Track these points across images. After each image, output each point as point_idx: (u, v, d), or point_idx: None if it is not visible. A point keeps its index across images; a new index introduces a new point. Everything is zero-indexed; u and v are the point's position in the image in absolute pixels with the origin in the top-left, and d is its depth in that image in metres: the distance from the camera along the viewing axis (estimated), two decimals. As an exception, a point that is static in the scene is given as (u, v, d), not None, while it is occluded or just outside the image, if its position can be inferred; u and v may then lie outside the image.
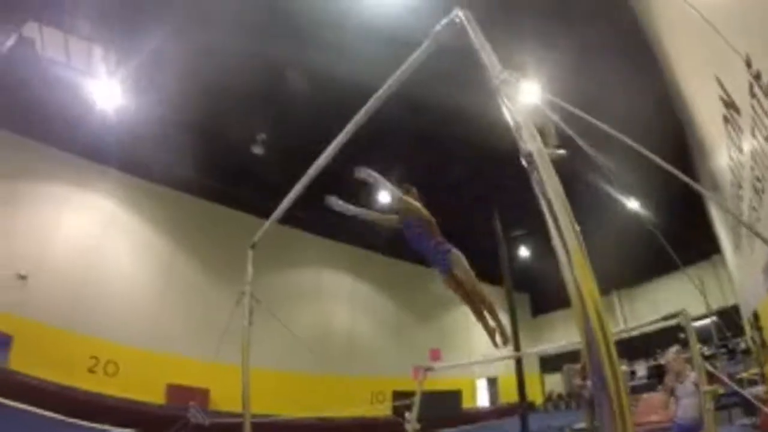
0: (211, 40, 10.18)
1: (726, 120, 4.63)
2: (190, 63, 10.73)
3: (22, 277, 11.74)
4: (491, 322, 4.16)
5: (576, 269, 1.64)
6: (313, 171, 4.08)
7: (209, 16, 9.70)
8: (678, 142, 9.37)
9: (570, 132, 2.09)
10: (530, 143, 1.79)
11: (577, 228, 1.72)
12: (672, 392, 5.72)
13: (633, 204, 11.54)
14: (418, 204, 4.09)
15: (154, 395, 12.66)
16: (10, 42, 8.55)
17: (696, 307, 12.31)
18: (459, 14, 2.57)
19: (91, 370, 12.18)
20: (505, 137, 1.97)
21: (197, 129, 12.59)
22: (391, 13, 9.45)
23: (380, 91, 3.13)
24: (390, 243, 17.89)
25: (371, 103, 3.20)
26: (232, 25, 9.85)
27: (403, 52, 2.97)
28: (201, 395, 12.74)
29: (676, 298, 13.10)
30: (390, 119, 9.18)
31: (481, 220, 16.42)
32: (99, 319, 12.54)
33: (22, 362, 10.82)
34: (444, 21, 2.68)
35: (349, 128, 3.44)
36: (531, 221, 14.92)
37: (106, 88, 11.34)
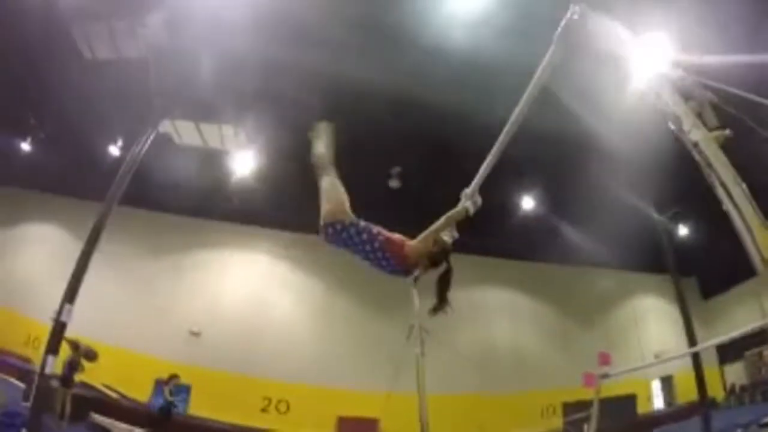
0: (330, 87, 10.81)
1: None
2: (314, 114, 11.49)
3: (195, 334, 13.62)
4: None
5: (759, 240, 1.53)
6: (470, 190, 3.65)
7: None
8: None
9: (733, 110, 1.90)
10: (693, 133, 1.70)
11: (754, 202, 1.61)
12: None
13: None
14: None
15: (325, 429, 13.45)
16: (150, 140, 9.88)
17: None
18: (575, 9, 2.34)
19: (264, 410, 13.34)
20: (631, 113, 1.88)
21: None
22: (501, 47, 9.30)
23: (512, 118, 2.93)
24: (541, 249, 17.36)
25: (509, 127, 3.01)
26: (359, 64, 10.36)
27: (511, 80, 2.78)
28: (372, 425, 13.21)
29: None
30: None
31: (631, 206, 15.11)
32: (268, 363, 13.81)
33: (200, 407, 12.46)
34: (563, 21, 2.39)
35: (495, 152, 3.26)
36: (686, 196, 13.32)
37: (241, 160, 12.62)
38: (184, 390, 12.81)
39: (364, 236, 3.26)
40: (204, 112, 10.65)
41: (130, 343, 12.30)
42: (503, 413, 15.01)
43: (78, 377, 9.47)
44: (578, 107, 9.54)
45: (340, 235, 3.34)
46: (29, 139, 13.02)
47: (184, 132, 10.97)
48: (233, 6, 8.83)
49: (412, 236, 3.23)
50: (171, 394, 10.50)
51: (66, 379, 8.98)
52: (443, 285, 3.28)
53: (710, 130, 1.73)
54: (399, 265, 3.21)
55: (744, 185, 1.65)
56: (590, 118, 10.22)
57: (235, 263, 15.36)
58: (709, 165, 1.65)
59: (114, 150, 12.51)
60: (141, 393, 12.30)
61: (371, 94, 10.87)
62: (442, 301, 3.31)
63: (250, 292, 15.01)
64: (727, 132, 1.69)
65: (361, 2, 9.21)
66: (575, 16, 2.34)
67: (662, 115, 1.88)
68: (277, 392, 13.66)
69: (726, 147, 1.72)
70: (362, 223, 3.33)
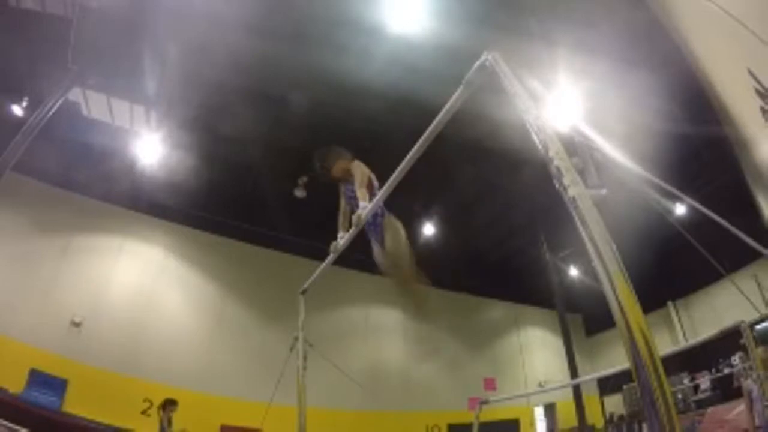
0: (246, 89, 10.61)
1: (764, 111, 4.50)
2: (226, 113, 11.21)
3: (76, 324, 12.46)
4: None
5: (621, 298, 1.67)
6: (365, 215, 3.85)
7: (240, 64, 10.14)
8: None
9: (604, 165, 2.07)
10: (572, 188, 1.80)
11: (620, 261, 1.74)
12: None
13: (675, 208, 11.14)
14: (357, 169, 3.97)
15: (208, 436, 12.84)
16: (57, 106, 9.16)
17: (760, 306, 11.85)
18: (489, 57, 2.53)
19: (144, 413, 12.51)
20: (538, 157, 2.00)
21: (239, 177, 13.05)
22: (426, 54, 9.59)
23: (417, 145, 3.11)
24: (441, 274, 17.86)
25: (413, 153, 3.17)
26: (265, 69, 10.23)
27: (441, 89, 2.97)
28: (254, 435, 12.86)
29: (736, 300, 12.49)
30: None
31: (526, 244, 16.16)
32: (152, 363, 12.97)
33: (76, 405, 11.46)
34: (475, 65, 2.62)
35: (397, 174, 3.38)
36: (576, 240, 14.50)
37: (148, 144, 12.01)
38: (59, 385, 11.72)
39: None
40: (118, 87, 10.03)
41: (2, 328, 11.06)
42: (389, 430, 15.13)
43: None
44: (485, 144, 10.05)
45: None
46: None
47: (94, 104, 10.23)
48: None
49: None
50: (170, 423, 9.56)
51: None
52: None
53: (589, 187, 1.85)
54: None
55: (613, 245, 1.77)
56: (496, 155, 10.80)
57: (127, 252, 14.09)
58: (582, 221, 1.76)
59: (17, 109, 11.33)
60: (11, 383, 11.09)
61: (284, 104, 10.96)
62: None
63: (140, 286, 13.89)
64: (604, 191, 1.82)
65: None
66: (487, 63, 2.51)
67: (548, 166, 1.99)
68: (160, 395, 12.71)
69: (601, 205, 1.84)
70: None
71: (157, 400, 12.65)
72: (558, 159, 1.94)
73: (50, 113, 9.01)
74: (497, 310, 20.74)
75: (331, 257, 4.18)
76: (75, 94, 9.89)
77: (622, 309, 1.65)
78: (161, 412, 9.53)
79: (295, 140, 11.98)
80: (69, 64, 9.14)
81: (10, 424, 9.18)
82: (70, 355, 11.92)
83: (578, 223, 1.80)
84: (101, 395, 11.87)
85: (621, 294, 1.67)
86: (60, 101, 9.19)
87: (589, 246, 1.76)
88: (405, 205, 12.60)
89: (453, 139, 9.51)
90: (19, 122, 9.60)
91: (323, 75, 10.32)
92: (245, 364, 14.23)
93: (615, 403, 20.92)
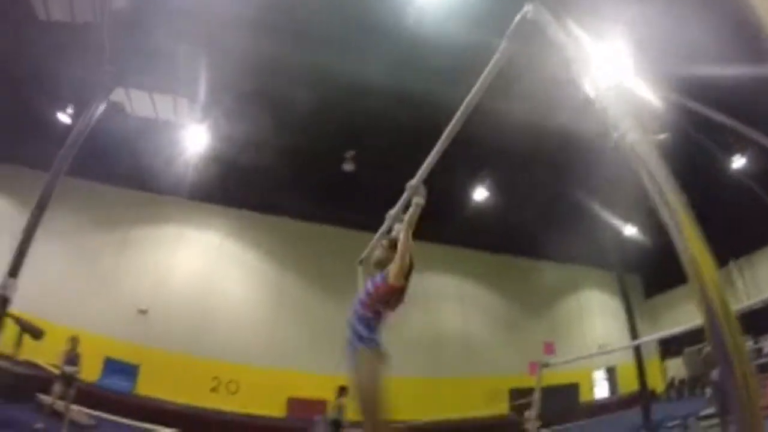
0: (288, 65, 10.67)
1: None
2: (271, 92, 11.33)
3: (143, 312, 13.36)
4: None
5: (691, 250, 1.57)
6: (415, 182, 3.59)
7: (283, 37, 10.18)
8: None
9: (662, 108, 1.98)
10: (630, 135, 1.73)
11: (689, 211, 1.64)
12: None
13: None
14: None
15: (276, 409, 13.50)
16: (101, 109, 9.50)
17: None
18: (530, 8, 2.36)
19: (213, 390, 13.19)
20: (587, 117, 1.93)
21: (286, 157, 13.22)
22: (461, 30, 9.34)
23: (461, 109, 2.96)
24: (492, 239, 17.71)
25: (458, 117, 3.04)
26: (312, 44, 10.23)
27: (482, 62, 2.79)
28: (320, 406, 13.29)
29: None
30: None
31: (582, 204, 15.57)
32: (217, 343, 13.66)
33: (148, 387, 12.29)
34: (517, 18, 2.44)
35: (442, 143, 3.28)
36: (633, 197, 13.94)
37: (195, 134, 12.28)
38: (132, 370, 12.57)
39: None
40: (159, 82, 10.30)
41: (75, 321, 11.86)
42: (450, 397, 15.33)
43: (22, 356, 9.12)
44: (534, 102, 9.74)
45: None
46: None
47: (137, 102, 10.54)
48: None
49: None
50: (341, 407, 9.77)
51: (68, 376, 8.57)
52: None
53: (649, 134, 1.78)
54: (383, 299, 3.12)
55: (678, 190, 1.68)
56: (543, 114, 10.47)
57: (185, 240, 14.95)
58: (645, 169, 1.69)
59: (64, 117, 11.88)
60: (89, 373, 11.94)
61: (327, 79, 10.85)
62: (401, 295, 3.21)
63: (200, 271, 14.69)
64: (664, 136, 1.75)
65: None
66: (528, 15, 2.36)
67: (605, 117, 1.92)
68: (227, 373, 13.52)
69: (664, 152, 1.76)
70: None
71: (225, 378, 13.36)
72: (612, 106, 1.87)
73: (95, 116, 9.38)
74: (555, 273, 20.34)
75: (384, 225, 4.16)
76: (118, 95, 10.15)
77: (693, 259, 1.56)
78: (336, 399, 9.74)
79: (339, 115, 12.04)
80: (106, 67, 9.44)
81: (88, 410, 9.95)
82: (140, 342, 12.84)
83: (640, 172, 1.72)
84: (171, 376, 12.64)
85: (691, 243, 1.58)
86: (103, 103, 9.54)
87: (653, 195, 1.67)
88: (454, 169, 12.52)
89: (502, 103, 9.31)
90: (68, 129, 10.11)
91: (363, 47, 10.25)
92: (308, 338, 14.70)
93: (676, 367, 20.39)
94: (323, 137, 12.82)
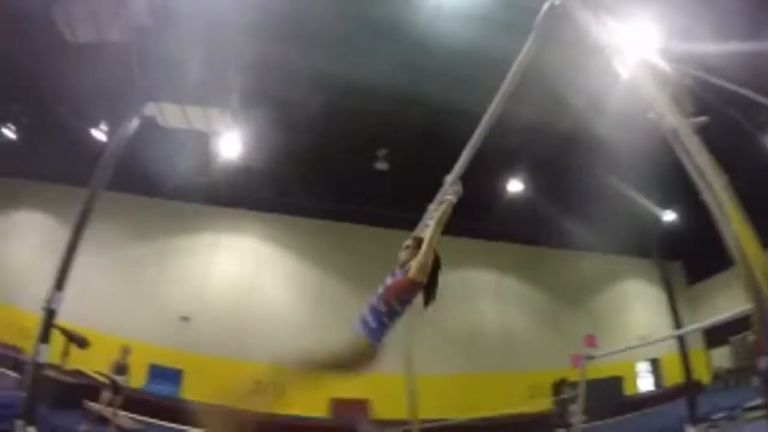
0: (316, 71, 10.82)
1: None
2: (300, 98, 11.47)
3: (185, 319, 13.85)
4: None
5: (736, 231, 1.53)
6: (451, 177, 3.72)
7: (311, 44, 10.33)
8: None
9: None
10: (669, 118, 1.71)
11: (733, 193, 1.60)
12: None
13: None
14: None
15: (319, 410, 13.61)
16: (135, 124, 9.80)
17: None
18: None
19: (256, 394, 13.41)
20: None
21: (319, 160, 13.36)
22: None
23: (493, 104, 2.98)
24: (528, 232, 17.47)
25: (492, 110, 3.05)
26: (337, 49, 10.36)
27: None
28: (363, 406, 13.39)
29: None
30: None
31: (618, 188, 15.16)
32: (259, 347, 13.86)
33: (192, 392, 12.59)
34: (544, 8, 2.44)
35: (477, 137, 3.32)
36: (673, 182, 13.53)
37: (228, 142, 12.56)
38: (175, 375, 12.93)
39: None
40: (189, 94, 10.59)
41: (119, 330, 12.28)
42: (491, 393, 15.18)
43: (70, 365, 9.46)
44: (565, 93, 9.59)
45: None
46: (12, 127, 12.80)
47: (170, 114, 10.88)
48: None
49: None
50: None
51: (117, 386, 8.98)
52: (434, 276, 3.18)
53: (686, 116, 1.76)
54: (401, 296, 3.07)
55: (721, 173, 1.65)
56: (576, 104, 10.28)
57: (224, 247, 15.38)
58: (686, 152, 1.67)
59: (99, 134, 12.34)
60: (135, 379, 12.35)
61: (358, 80, 10.86)
62: (433, 293, 3.24)
63: (240, 276, 15.07)
64: (704, 119, 1.72)
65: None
66: (556, 2, 2.35)
67: (642, 101, 1.90)
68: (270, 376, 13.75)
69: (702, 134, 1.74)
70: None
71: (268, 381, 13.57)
72: (648, 89, 1.85)
73: (129, 131, 9.77)
74: (593, 263, 19.85)
75: (422, 221, 4.17)
76: (149, 109, 10.50)
77: (738, 241, 1.53)
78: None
79: (368, 112, 12.13)
80: (137, 83, 9.78)
81: (133, 415, 10.29)
82: (183, 348, 13.20)
83: (680, 155, 1.70)
84: (214, 381, 12.88)
85: (735, 225, 1.55)
86: (136, 118, 9.90)
87: (694, 177, 1.66)
88: (488, 162, 12.41)
89: (537, 93, 9.22)
90: (103, 146, 10.55)
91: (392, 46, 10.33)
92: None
93: (722, 357, 19.63)
94: (354, 137, 12.89)
